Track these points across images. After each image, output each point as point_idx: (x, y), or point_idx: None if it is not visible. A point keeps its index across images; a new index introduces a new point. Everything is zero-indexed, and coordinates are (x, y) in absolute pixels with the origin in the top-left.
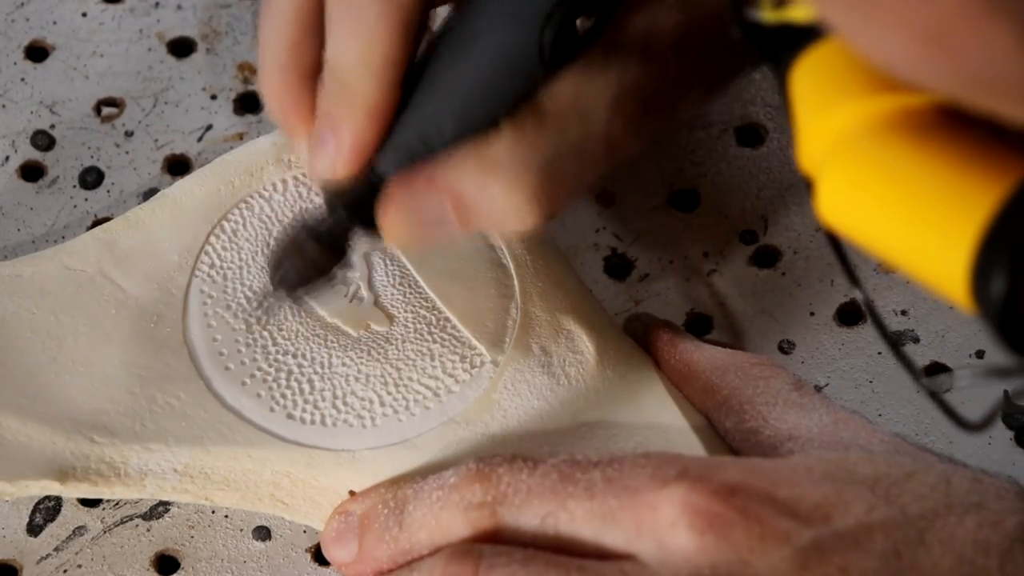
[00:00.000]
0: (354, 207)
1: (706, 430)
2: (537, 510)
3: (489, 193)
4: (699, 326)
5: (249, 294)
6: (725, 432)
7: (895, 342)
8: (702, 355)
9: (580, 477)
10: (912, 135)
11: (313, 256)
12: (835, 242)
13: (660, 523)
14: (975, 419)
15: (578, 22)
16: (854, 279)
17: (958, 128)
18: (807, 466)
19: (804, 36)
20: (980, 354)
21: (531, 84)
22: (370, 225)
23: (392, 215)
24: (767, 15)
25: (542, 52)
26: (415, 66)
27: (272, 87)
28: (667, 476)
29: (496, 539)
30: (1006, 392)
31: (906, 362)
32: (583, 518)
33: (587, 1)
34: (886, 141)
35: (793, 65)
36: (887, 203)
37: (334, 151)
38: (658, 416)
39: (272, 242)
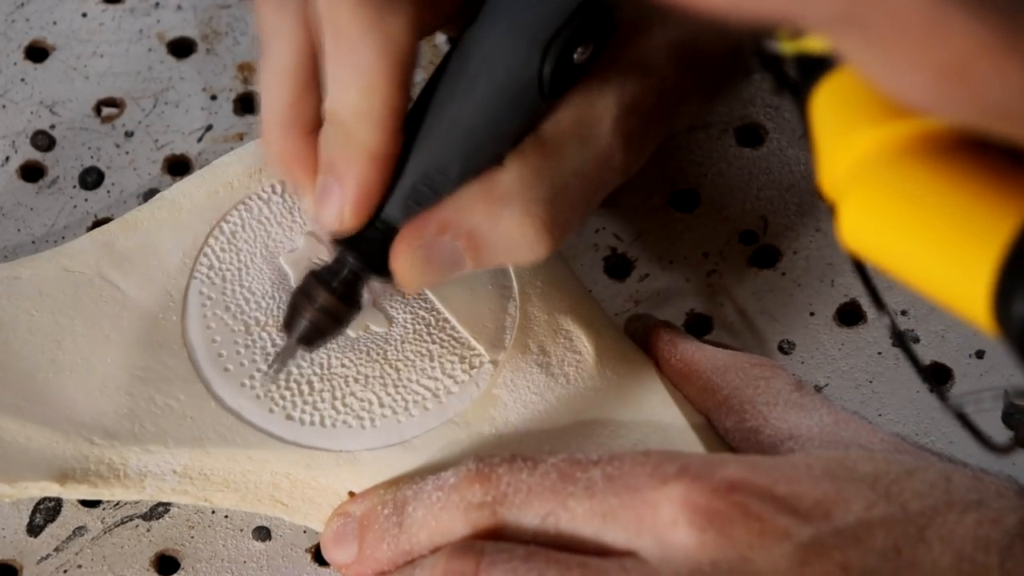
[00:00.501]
0: (365, 255)
1: (705, 428)
2: (538, 509)
3: (501, 228)
4: (699, 326)
5: (248, 295)
6: (725, 432)
7: (927, 373)
8: (702, 355)
9: (580, 476)
10: (932, 159)
11: (328, 307)
12: (861, 268)
13: (661, 521)
14: (1001, 441)
15: (576, 53)
16: (880, 304)
17: (977, 152)
18: (807, 464)
19: (822, 63)
20: (980, 354)
21: (533, 117)
22: (382, 272)
23: (406, 262)
24: (785, 46)
25: (542, 85)
26: (414, 107)
27: (275, 145)
28: (667, 474)
29: (497, 538)
30: (1006, 392)
31: (939, 394)
32: (584, 517)
33: (584, 31)
34: (906, 166)
35: (812, 92)
36: (908, 227)
37: (340, 201)
38: (657, 415)
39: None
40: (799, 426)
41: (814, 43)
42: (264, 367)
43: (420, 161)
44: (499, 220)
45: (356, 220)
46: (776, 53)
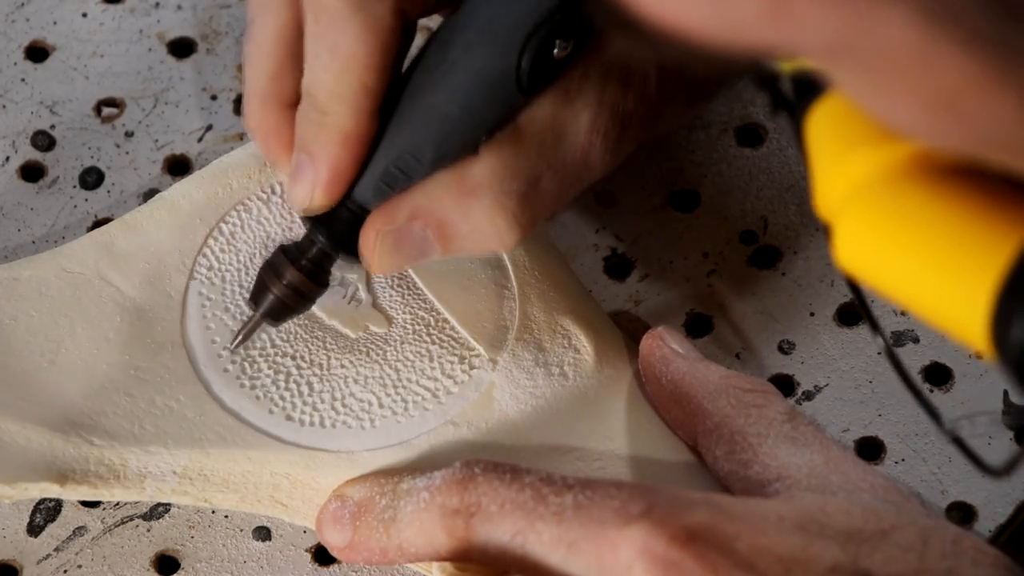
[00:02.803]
0: (335, 235)
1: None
2: (508, 527)
3: (471, 218)
4: (699, 326)
5: (247, 296)
6: (714, 460)
7: (917, 390)
8: (694, 378)
9: (552, 500)
10: (929, 182)
11: (295, 284)
12: (855, 288)
13: (619, 563)
14: (998, 464)
15: (555, 48)
16: (875, 326)
17: (975, 175)
18: (780, 514)
19: (819, 84)
20: (980, 354)
21: (509, 110)
22: (351, 253)
23: (374, 245)
24: (783, 64)
25: (520, 78)
26: (391, 90)
27: (254, 117)
28: (631, 513)
29: (468, 548)
30: (1005, 392)
31: (929, 409)
32: (550, 542)
33: (565, 27)
34: (903, 188)
35: (808, 112)
36: (904, 250)
37: (312, 180)
38: (654, 416)
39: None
40: (788, 465)
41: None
42: (264, 367)
43: (394, 144)
44: (470, 210)
45: (326, 200)
46: (772, 71)
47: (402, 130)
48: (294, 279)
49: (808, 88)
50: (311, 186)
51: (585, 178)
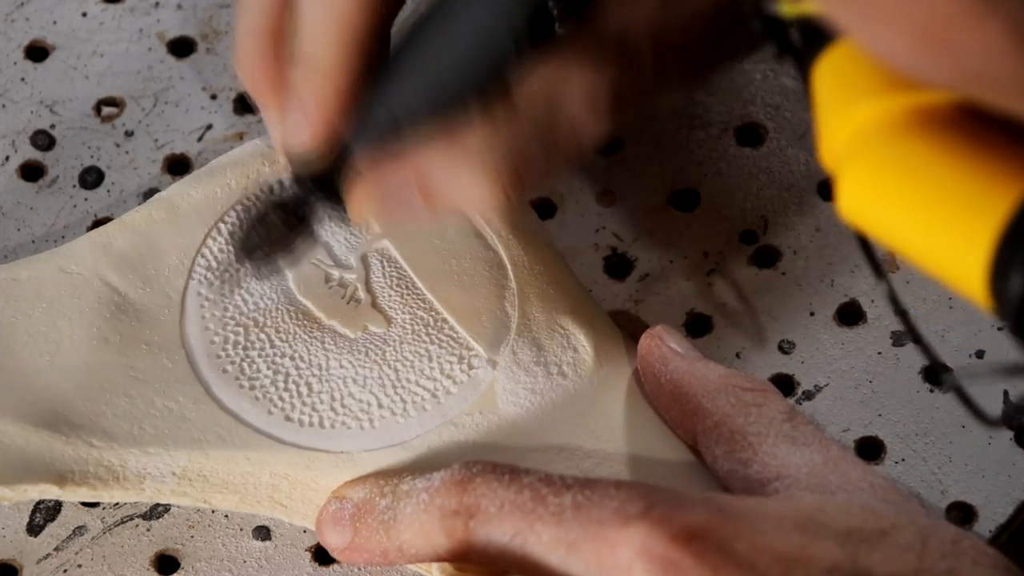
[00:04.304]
0: (320, 180)
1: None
2: (507, 528)
3: (456, 177)
4: (699, 326)
5: (246, 296)
6: (714, 459)
7: (920, 339)
8: (693, 377)
9: (551, 500)
10: (932, 132)
11: (276, 225)
12: (862, 239)
13: (618, 563)
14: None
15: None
16: (880, 272)
17: (978, 126)
18: (779, 514)
19: (825, 34)
20: (980, 354)
21: (503, 67)
22: (335, 199)
23: (359, 192)
24: (785, 8)
25: (514, 35)
26: (386, 45)
27: (244, 56)
28: (630, 513)
29: (468, 550)
30: (1006, 392)
31: (932, 358)
32: (549, 543)
33: None
34: (906, 138)
35: (815, 62)
36: (906, 200)
37: (300, 122)
38: (653, 415)
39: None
40: (788, 464)
41: (813, 5)
42: (264, 368)
43: (386, 94)
44: (456, 169)
45: (313, 143)
46: (776, 15)
47: (394, 82)
48: (272, 221)
49: (815, 38)
50: (299, 127)
51: (575, 151)
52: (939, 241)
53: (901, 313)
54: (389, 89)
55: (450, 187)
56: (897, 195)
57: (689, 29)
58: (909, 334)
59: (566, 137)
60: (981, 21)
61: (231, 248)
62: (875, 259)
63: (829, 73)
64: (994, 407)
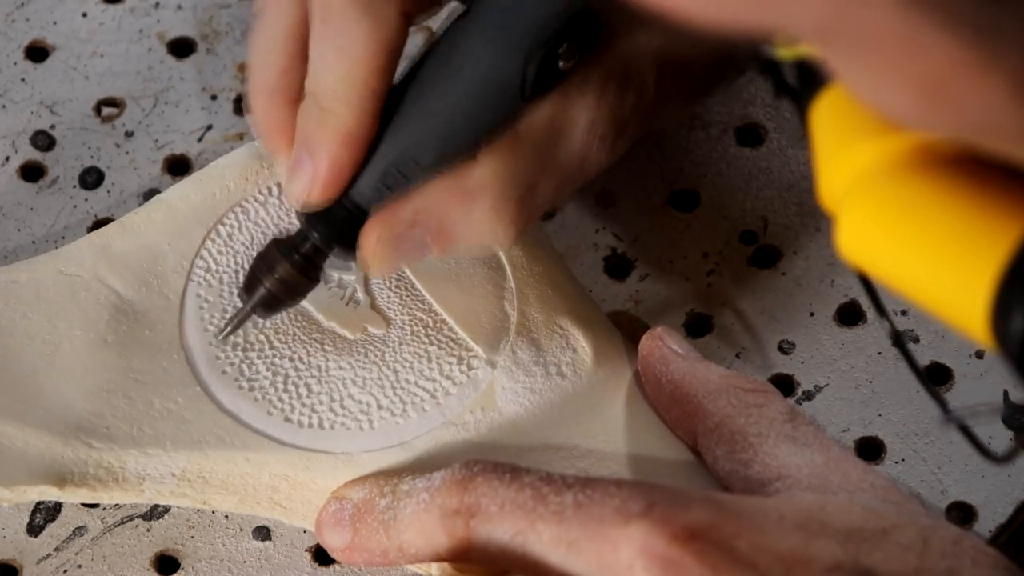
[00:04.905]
0: (330, 231)
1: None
2: (508, 527)
3: (471, 219)
4: (699, 326)
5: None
6: (714, 459)
7: (927, 379)
8: (694, 377)
9: (552, 499)
10: (931, 173)
11: (287, 278)
12: (864, 278)
13: (619, 562)
14: (1000, 451)
15: (560, 60)
16: (882, 312)
17: (977, 166)
18: (780, 513)
19: (822, 74)
20: (980, 354)
21: (511, 114)
22: (345, 250)
23: (374, 246)
24: (782, 51)
25: (523, 87)
26: (394, 90)
27: (259, 110)
28: (631, 512)
29: (468, 549)
30: (1006, 392)
31: (936, 397)
32: (550, 542)
33: (571, 37)
34: (905, 179)
35: (813, 102)
36: (906, 240)
37: (311, 175)
38: (653, 415)
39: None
40: (788, 465)
41: (811, 49)
42: (263, 369)
43: (395, 145)
44: (469, 212)
45: (324, 196)
46: (774, 58)
47: (403, 132)
48: (287, 273)
49: (812, 77)
50: (309, 182)
51: (580, 178)
52: (940, 281)
53: (908, 359)
54: (397, 139)
55: (464, 228)
56: (898, 235)
57: (691, 55)
58: (918, 377)
59: (571, 167)
60: (983, 75)
61: (239, 290)
62: (878, 298)
63: (827, 113)
64: (997, 410)
